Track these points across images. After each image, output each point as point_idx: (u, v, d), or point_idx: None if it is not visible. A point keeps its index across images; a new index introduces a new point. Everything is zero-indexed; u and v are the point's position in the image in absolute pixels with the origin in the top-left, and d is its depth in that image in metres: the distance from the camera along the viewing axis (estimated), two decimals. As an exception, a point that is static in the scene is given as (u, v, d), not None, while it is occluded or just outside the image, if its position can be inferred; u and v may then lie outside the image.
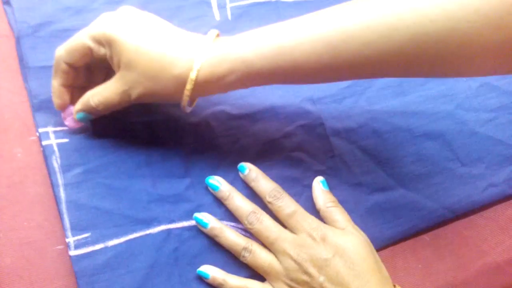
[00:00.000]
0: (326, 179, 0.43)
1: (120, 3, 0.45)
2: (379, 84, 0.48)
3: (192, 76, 0.34)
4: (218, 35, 0.36)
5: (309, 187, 0.43)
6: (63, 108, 0.39)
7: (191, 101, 0.40)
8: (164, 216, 0.40)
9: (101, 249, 0.38)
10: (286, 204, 0.40)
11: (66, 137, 0.40)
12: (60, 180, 0.39)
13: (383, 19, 0.31)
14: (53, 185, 0.39)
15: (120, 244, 0.38)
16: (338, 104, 0.46)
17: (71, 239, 0.37)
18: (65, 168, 0.39)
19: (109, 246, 0.38)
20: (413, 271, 0.44)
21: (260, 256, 0.39)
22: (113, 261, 0.38)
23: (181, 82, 0.35)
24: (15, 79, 0.41)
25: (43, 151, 0.39)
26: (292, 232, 0.39)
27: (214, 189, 0.41)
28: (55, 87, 0.38)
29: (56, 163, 0.39)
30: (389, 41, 0.31)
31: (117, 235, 0.39)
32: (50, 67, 0.41)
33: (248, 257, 0.39)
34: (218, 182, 0.41)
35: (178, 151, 0.42)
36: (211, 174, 0.42)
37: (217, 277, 0.39)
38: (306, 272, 0.37)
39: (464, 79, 0.50)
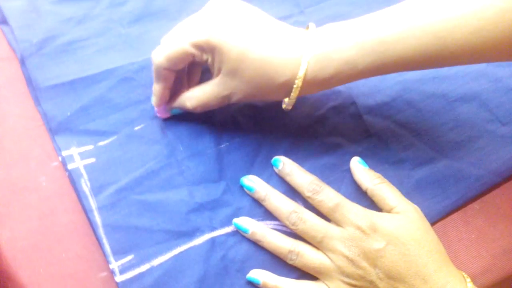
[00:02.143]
0: (365, 160, 0.41)
1: (123, 5, 0.42)
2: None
3: (297, 85, 0.34)
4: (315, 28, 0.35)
5: (349, 171, 0.41)
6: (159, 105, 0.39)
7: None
8: (205, 224, 0.38)
9: (147, 270, 0.36)
10: (327, 197, 0.37)
11: (92, 156, 0.38)
12: (92, 204, 0.36)
13: (491, 3, 0.30)
14: (86, 210, 0.36)
15: (166, 261, 0.37)
16: (366, 79, 0.44)
17: (115, 265, 0.36)
18: (96, 190, 0.37)
19: (155, 265, 0.36)
20: (467, 242, 0.42)
21: (309, 257, 0.37)
22: (162, 280, 0.36)
23: (286, 89, 0.35)
24: (26, 103, 0.39)
25: (70, 176, 0.37)
26: (338, 225, 0.37)
27: (249, 191, 0.39)
28: (159, 91, 0.38)
29: (86, 186, 0.37)
30: (496, 27, 0.30)
31: (161, 252, 0.37)
32: (61, 84, 0.39)
33: (296, 260, 0.37)
34: (252, 183, 0.39)
35: (209, 154, 0.40)
36: (246, 174, 0.40)
37: (268, 282, 0.38)
38: (360, 267, 0.36)
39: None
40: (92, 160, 0.37)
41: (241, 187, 0.39)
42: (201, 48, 0.34)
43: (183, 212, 0.38)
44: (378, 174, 0.40)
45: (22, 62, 0.39)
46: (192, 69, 0.39)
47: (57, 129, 0.38)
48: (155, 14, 0.42)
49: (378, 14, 0.34)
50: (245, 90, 0.35)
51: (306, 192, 0.38)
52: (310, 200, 0.38)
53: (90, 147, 0.38)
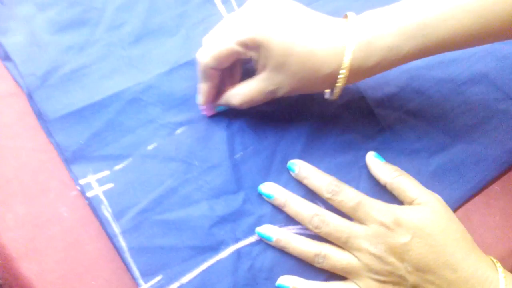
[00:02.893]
0: (380, 154, 0.41)
1: (121, 27, 0.42)
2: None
3: (343, 75, 0.34)
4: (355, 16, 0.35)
5: (366, 167, 0.41)
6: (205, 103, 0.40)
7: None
8: (229, 236, 0.38)
9: (177, 288, 0.36)
10: (347, 196, 0.37)
11: (110, 181, 0.38)
12: (116, 229, 0.37)
13: None
14: (110, 236, 0.37)
15: (195, 277, 0.37)
16: (372, 72, 0.44)
17: (144, 287, 0.36)
18: (118, 215, 0.37)
19: (184, 283, 0.37)
20: (492, 224, 0.42)
21: (335, 258, 0.37)
22: (192, 296, 0.37)
23: (331, 79, 0.35)
24: (38, 136, 0.39)
25: (90, 203, 0.37)
26: (362, 223, 0.37)
27: (269, 198, 0.39)
28: (206, 90, 0.39)
29: (107, 212, 0.37)
30: None
31: (189, 269, 0.37)
32: (71, 114, 0.39)
33: (323, 263, 0.37)
34: (271, 189, 0.39)
35: (224, 166, 0.40)
36: (263, 181, 0.40)
37: (298, 287, 0.38)
38: (388, 263, 0.35)
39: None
40: (111, 185, 0.38)
41: (260, 195, 0.39)
42: (246, 46, 0.35)
43: (205, 227, 0.38)
44: (395, 167, 0.40)
45: (29, 96, 0.39)
46: (234, 65, 0.39)
47: (72, 158, 0.38)
48: (154, 32, 0.42)
49: None
50: (291, 84, 0.35)
51: (325, 193, 0.38)
52: (330, 201, 0.38)
53: (107, 172, 0.38)
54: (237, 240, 0.38)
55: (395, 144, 0.42)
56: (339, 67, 0.34)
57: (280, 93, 0.37)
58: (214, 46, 0.35)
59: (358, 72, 0.35)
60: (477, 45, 0.35)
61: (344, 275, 0.38)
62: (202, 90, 0.39)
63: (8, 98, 0.40)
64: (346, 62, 0.34)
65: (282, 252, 0.39)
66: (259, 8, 0.35)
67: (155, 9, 0.43)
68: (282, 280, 0.38)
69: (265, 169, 0.40)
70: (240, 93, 0.38)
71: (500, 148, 0.43)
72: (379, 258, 0.36)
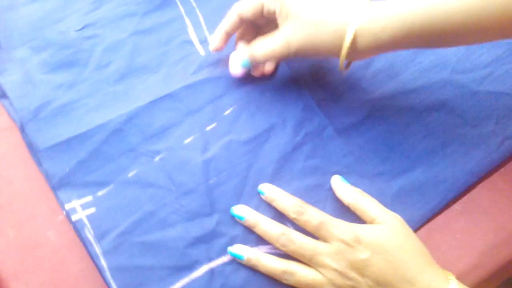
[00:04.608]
0: (345, 178, 0.44)
1: (108, 66, 0.46)
2: (372, 71, 0.49)
3: (350, 31, 0.38)
4: None
5: (331, 190, 0.44)
6: (217, 51, 0.46)
7: (347, 63, 0.44)
8: (202, 256, 0.41)
9: (154, 306, 0.39)
10: (311, 216, 0.40)
11: (92, 206, 0.41)
12: (97, 249, 0.40)
13: None
14: (93, 256, 0.40)
15: (170, 295, 0.40)
16: (337, 102, 0.47)
17: (124, 304, 0.39)
18: (99, 237, 0.40)
19: (160, 300, 0.39)
20: (453, 242, 0.44)
21: (301, 274, 0.39)
22: (168, 313, 0.39)
23: (339, 35, 0.38)
24: (28, 167, 0.43)
25: (75, 226, 0.41)
26: (325, 241, 0.39)
27: (240, 219, 0.42)
28: (219, 31, 0.45)
29: (89, 234, 0.40)
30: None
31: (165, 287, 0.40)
32: (59, 144, 0.43)
33: (290, 279, 0.40)
34: (242, 211, 0.42)
35: (200, 191, 0.43)
36: (236, 204, 0.43)
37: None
38: (349, 278, 0.38)
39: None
40: (93, 210, 0.41)
41: (233, 217, 0.42)
42: None
43: (181, 248, 0.41)
44: (358, 189, 0.43)
45: (22, 129, 0.43)
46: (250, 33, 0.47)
47: (58, 185, 0.42)
48: (137, 70, 0.47)
49: None
50: (303, 34, 0.40)
51: (291, 214, 0.40)
52: (296, 221, 0.40)
53: (90, 198, 0.41)
54: (210, 259, 0.41)
55: (358, 168, 0.45)
56: (347, 24, 0.38)
57: (294, 46, 0.41)
58: None
59: (367, 38, 0.38)
60: (486, 39, 0.39)
61: None
62: (216, 33, 0.45)
63: (3, 132, 0.44)
64: (355, 22, 0.38)
65: (254, 271, 0.41)
66: None
67: (139, 50, 0.48)
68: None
69: (237, 193, 0.43)
70: (261, 44, 0.42)
71: (459, 170, 0.46)
72: (341, 273, 0.38)
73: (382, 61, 0.49)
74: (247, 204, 0.43)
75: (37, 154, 0.42)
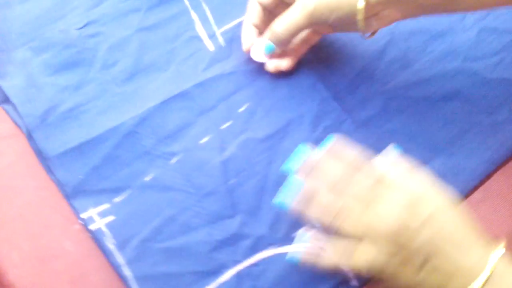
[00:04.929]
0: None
1: (114, 66, 0.44)
2: (385, 62, 0.48)
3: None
4: None
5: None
6: (250, 46, 0.44)
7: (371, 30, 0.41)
8: (229, 259, 0.40)
9: (182, 313, 0.38)
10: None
11: (111, 214, 0.39)
12: (120, 259, 0.38)
13: None
14: (115, 266, 0.38)
15: (199, 301, 0.38)
16: (353, 94, 0.46)
17: (151, 313, 0.37)
18: (121, 246, 0.38)
19: (189, 307, 0.38)
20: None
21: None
22: (198, 320, 0.38)
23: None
24: (38, 175, 0.41)
25: (93, 236, 0.39)
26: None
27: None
28: (246, 24, 0.44)
29: (110, 244, 0.38)
30: None
31: (193, 294, 0.38)
32: (70, 150, 0.41)
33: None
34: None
35: (220, 192, 0.41)
36: (258, 204, 0.42)
37: None
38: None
39: (461, 30, 0.50)
40: (112, 217, 0.39)
41: (256, 217, 0.41)
42: None
43: (205, 252, 0.40)
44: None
45: (29, 136, 0.41)
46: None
47: (72, 193, 0.39)
48: (145, 69, 0.45)
49: None
50: (321, 5, 0.38)
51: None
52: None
53: (107, 205, 0.40)
54: (236, 262, 0.40)
55: (379, 161, 0.44)
56: None
57: (310, 4, 0.39)
58: None
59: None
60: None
61: None
62: (244, 26, 0.44)
63: (7, 139, 0.41)
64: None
65: (283, 270, 0.40)
66: None
67: (146, 48, 0.46)
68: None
69: (258, 192, 0.42)
70: (281, 19, 0.41)
71: (477, 159, 0.45)
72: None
73: (394, 51, 0.48)
74: (268, 203, 0.42)
75: (47, 161, 0.40)
